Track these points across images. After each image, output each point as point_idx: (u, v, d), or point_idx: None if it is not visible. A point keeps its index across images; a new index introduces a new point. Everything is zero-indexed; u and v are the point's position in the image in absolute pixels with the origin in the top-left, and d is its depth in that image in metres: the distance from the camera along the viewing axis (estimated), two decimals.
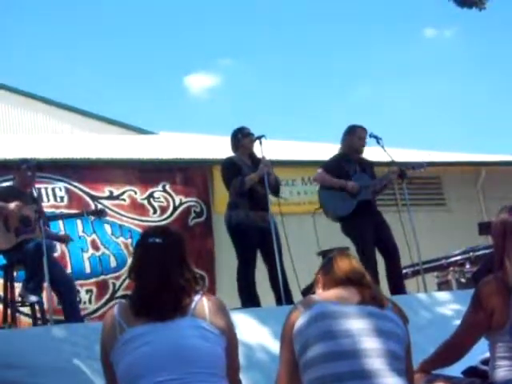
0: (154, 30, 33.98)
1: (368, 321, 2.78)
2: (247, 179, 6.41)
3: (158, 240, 2.82)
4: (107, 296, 10.10)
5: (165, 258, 2.77)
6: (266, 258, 6.45)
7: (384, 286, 6.66)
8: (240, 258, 6.50)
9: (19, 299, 6.18)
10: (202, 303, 2.73)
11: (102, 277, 10.16)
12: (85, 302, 9.72)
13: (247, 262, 6.42)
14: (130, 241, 10.35)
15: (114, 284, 10.21)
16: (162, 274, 2.73)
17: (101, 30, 32.80)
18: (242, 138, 6.60)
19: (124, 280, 10.18)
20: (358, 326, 2.76)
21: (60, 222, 9.42)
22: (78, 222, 9.83)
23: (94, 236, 10.29)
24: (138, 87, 33.99)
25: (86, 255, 10.15)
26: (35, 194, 6.52)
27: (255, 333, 5.15)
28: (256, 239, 6.42)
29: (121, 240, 10.45)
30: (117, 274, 10.23)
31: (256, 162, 6.54)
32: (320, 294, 2.98)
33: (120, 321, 2.69)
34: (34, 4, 30.99)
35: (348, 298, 2.85)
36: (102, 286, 10.13)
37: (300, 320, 2.80)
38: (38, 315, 6.14)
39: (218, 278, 10.64)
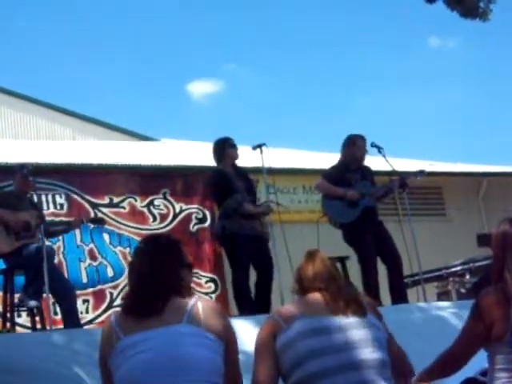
0: (156, 36, 34.06)
1: (353, 332, 2.80)
2: (245, 209, 6.41)
3: (151, 244, 2.87)
4: (105, 305, 10.09)
5: (156, 260, 2.78)
6: (257, 267, 6.52)
7: (386, 295, 6.67)
8: (236, 267, 6.55)
9: (19, 303, 6.18)
10: (197, 308, 2.70)
11: (99, 286, 10.16)
12: (81, 312, 9.64)
13: (243, 271, 6.47)
14: (128, 250, 10.36)
15: (111, 293, 10.21)
16: (153, 275, 2.74)
17: (103, 35, 32.89)
18: (228, 149, 6.64)
19: (122, 289, 10.19)
20: (346, 339, 2.78)
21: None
22: (77, 230, 9.75)
23: (91, 245, 10.28)
24: (141, 93, 34.05)
25: (83, 265, 10.15)
26: (35, 199, 6.53)
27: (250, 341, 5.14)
28: (250, 248, 6.45)
29: (119, 249, 10.45)
30: (114, 284, 10.24)
31: (238, 171, 6.65)
32: (295, 305, 2.96)
33: (116, 329, 2.69)
34: (36, 7, 31.08)
35: (324, 309, 2.85)
36: (99, 296, 10.12)
37: (283, 336, 2.80)
38: (37, 320, 6.14)
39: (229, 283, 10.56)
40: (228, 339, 2.75)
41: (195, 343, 2.64)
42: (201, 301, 2.75)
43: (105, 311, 9.98)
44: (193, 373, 2.60)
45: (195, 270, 10.44)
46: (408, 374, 3.02)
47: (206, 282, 10.73)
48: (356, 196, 6.73)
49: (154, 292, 2.70)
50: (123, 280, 10.22)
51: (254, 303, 6.43)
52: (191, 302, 2.72)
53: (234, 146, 6.66)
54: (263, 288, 6.46)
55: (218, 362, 2.68)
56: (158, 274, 2.74)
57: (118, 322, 2.72)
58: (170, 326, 2.65)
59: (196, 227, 10.98)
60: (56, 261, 8.82)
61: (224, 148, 6.64)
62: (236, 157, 6.66)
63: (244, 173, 6.76)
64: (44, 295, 5.96)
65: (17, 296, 6.17)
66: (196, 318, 2.68)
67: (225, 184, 6.48)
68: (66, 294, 6.12)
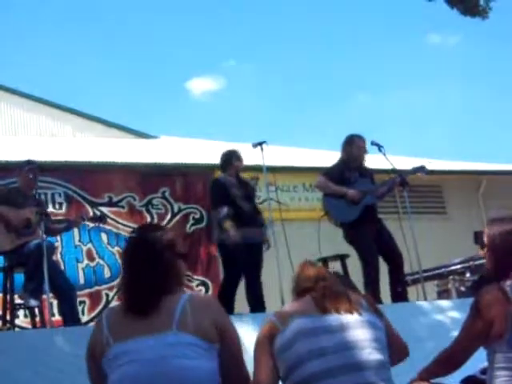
0: (156, 34, 34.05)
1: (354, 332, 2.79)
2: (224, 225, 6.62)
3: (136, 234, 2.82)
4: (100, 307, 10.10)
5: (140, 252, 2.70)
6: (247, 270, 6.74)
7: (387, 293, 6.67)
8: (226, 274, 6.91)
9: (19, 301, 6.18)
10: (186, 309, 2.60)
11: (96, 288, 10.18)
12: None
13: (232, 279, 6.76)
14: None
15: (107, 295, 10.22)
16: (145, 272, 2.65)
17: (103, 32, 32.88)
18: (234, 161, 6.98)
19: (118, 291, 10.20)
20: (347, 339, 2.77)
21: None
22: (75, 230, 9.72)
23: (89, 245, 10.28)
24: (141, 91, 34.06)
25: (80, 266, 10.15)
26: (40, 196, 6.51)
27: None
28: (242, 256, 6.65)
29: (116, 250, 10.45)
30: (110, 285, 10.25)
31: (240, 179, 6.99)
32: (290, 305, 3.00)
33: (107, 333, 2.62)
34: (36, 8, 31.06)
35: (315, 308, 2.86)
36: (95, 298, 10.13)
37: (281, 336, 2.80)
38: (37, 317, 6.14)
39: None
40: (223, 337, 2.64)
41: (184, 355, 2.53)
42: (191, 300, 2.64)
43: (100, 313, 9.97)
44: None
45: (187, 273, 10.46)
46: (403, 353, 3.09)
47: (197, 285, 10.78)
48: (357, 196, 6.74)
49: (145, 291, 2.63)
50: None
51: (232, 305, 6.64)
52: (181, 301, 2.62)
53: (239, 159, 7.04)
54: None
55: (213, 370, 2.59)
56: (150, 271, 2.65)
57: (108, 322, 2.65)
58: (158, 334, 2.56)
59: (192, 228, 10.98)
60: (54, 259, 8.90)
61: (230, 159, 7.02)
62: (240, 168, 7.05)
63: (245, 181, 7.10)
64: (44, 296, 5.95)
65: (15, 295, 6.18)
66: (185, 322, 2.57)
67: (221, 193, 6.83)
68: (66, 291, 6.11)
